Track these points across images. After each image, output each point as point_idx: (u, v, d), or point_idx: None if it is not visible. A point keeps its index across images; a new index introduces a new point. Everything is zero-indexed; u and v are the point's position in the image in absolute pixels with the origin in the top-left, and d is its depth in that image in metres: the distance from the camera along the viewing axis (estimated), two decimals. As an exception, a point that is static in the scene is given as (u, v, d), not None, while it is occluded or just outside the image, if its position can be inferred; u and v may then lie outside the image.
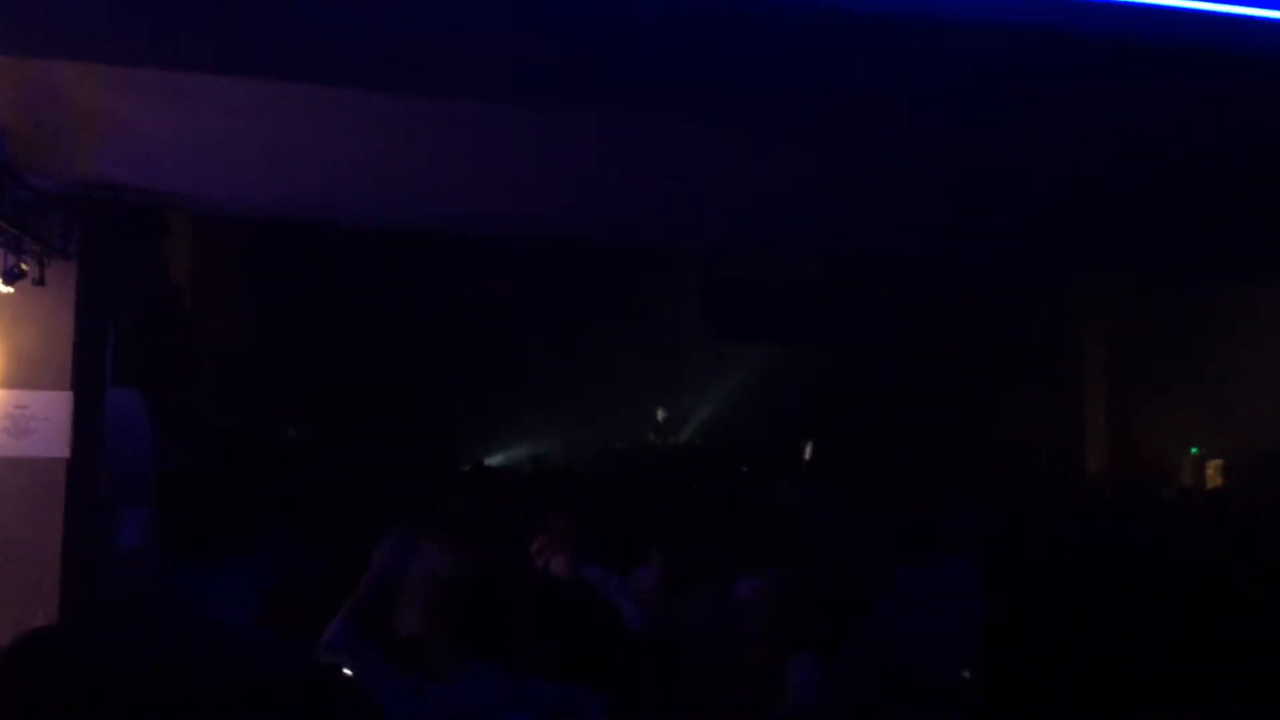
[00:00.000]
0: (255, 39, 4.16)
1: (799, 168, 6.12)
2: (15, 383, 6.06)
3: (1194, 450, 11.31)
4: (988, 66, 4.26)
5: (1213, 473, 11.03)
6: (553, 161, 6.03)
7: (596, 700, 2.13)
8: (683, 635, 2.85)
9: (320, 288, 11.07)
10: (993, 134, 5.31)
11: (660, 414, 12.91)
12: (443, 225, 8.51)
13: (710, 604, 2.96)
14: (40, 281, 5.93)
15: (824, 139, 5.58)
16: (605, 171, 6.23)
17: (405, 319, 11.53)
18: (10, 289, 5.88)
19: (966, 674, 2.30)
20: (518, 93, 4.75)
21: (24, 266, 5.84)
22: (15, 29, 4.03)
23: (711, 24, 3.89)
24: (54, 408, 6.06)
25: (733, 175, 6.25)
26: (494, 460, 11.82)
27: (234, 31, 4.07)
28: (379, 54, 4.28)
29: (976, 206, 6.95)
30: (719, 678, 2.71)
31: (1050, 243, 8.21)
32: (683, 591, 3.16)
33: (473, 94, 4.79)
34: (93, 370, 6.37)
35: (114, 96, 4.92)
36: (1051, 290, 12.14)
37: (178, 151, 5.76)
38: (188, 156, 5.87)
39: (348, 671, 1.87)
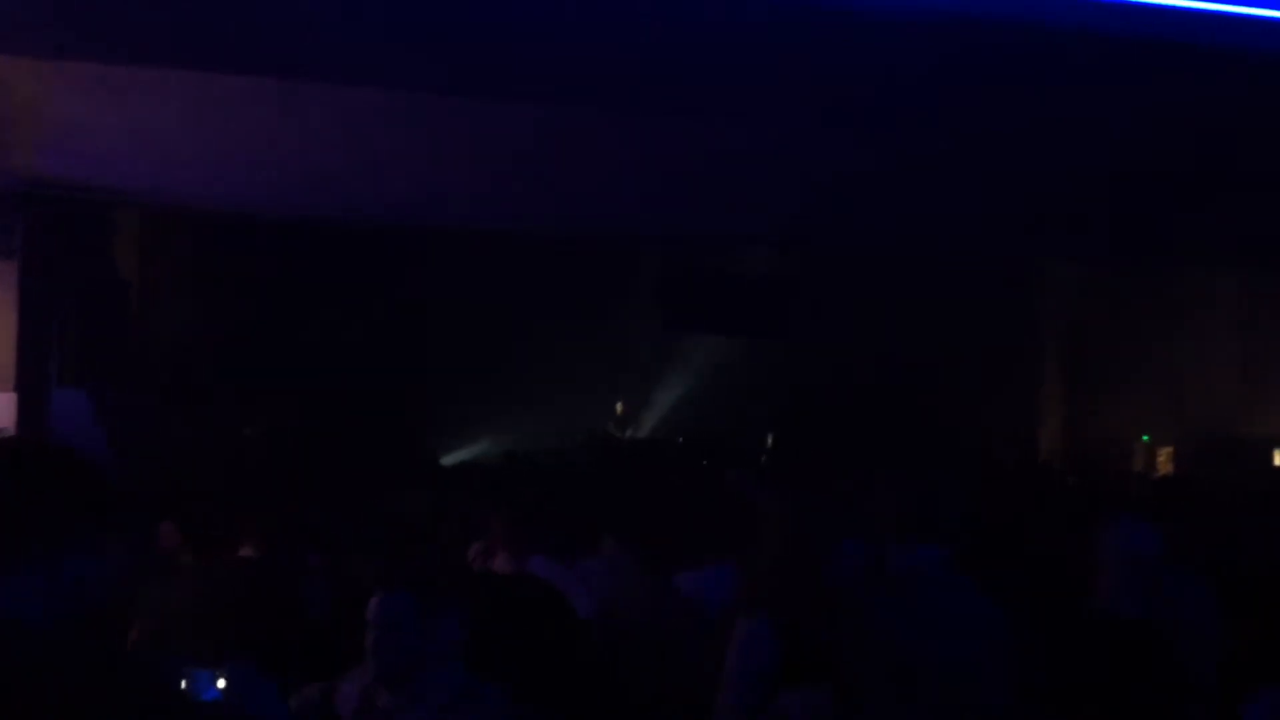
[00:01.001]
0: (199, 31, 4.08)
1: (758, 161, 6.14)
2: (-43, 384, 5.93)
3: (1145, 438, 11.52)
4: (947, 62, 4.29)
5: (1163, 459, 11.24)
6: (513, 155, 5.99)
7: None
8: (630, 625, 2.84)
9: (273, 283, 10.91)
10: (948, 128, 5.37)
11: (619, 407, 12.90)
12: (398, 219, 8.43)
13: (656, 594, 2.96)
14: (-20, 281, 5.80)
15: (783, 132, 5.61)
16: (567, 165, 6.21)
17: (360, 315, 11.40)
18: (-51, 288, 5.75)
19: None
20: (477, 86, 4.71)
21: (-37, 265, 5.71)
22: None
23: (677, 19, 3.89)
24: (-3, 409, 5.94)
25: (692, 168, 6.25)
26: (456, 456, 11.75)
27: (178, 23, 3.99)
28: (330, 46, 4.22)
29: (932, 198, 7.01)
30: (666, 668, 2.70)
31: (1006, 232, 8.31)
32: (632, 581, 3.15)
33: (429, 87, 4.74)
34: (36, 370, 6.26)
35: (52, 90, 4.81)
36: (1008, 280, 12.29)
37: (122, 146, 5.64)
38: (133, 151, 5.76)
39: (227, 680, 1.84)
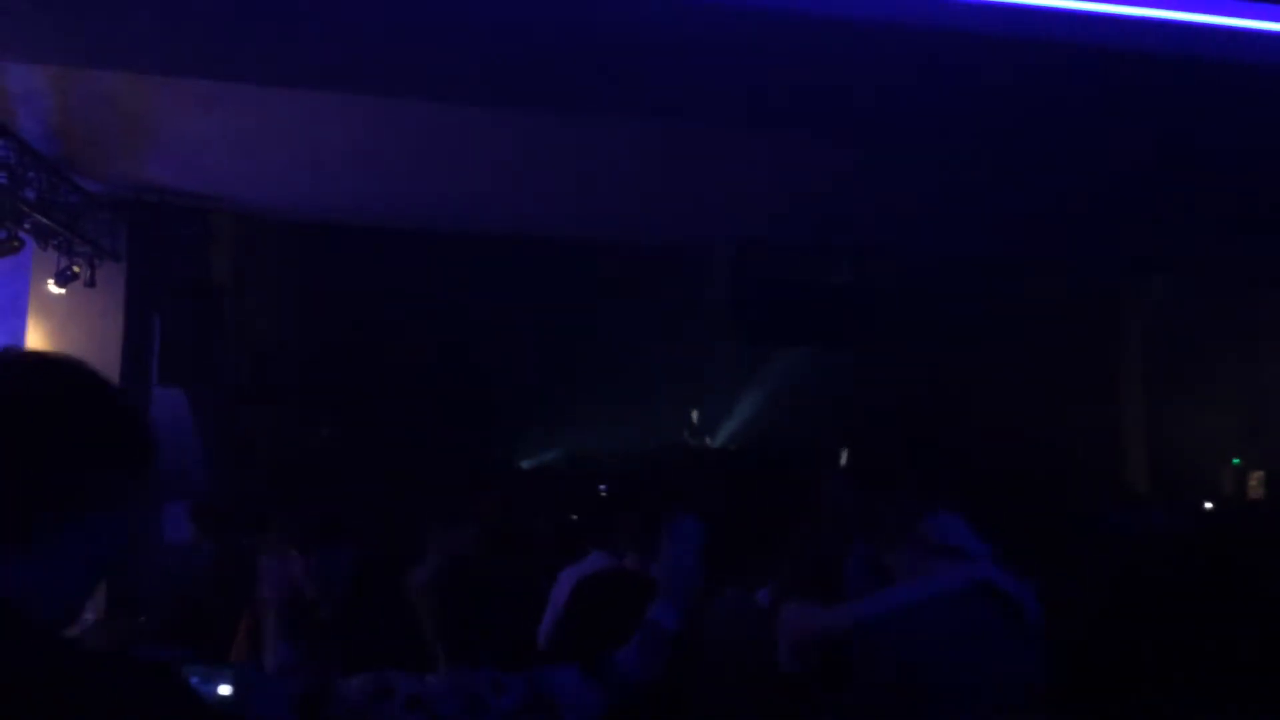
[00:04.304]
0: (292, 52, 4.27)
1: (832, 169, 6.16)
2: (65, 381, 6.21)
3: (1236, 461, 11.14)
4: (1024, 76, 4.28)
5: (1255, 484, 10.85)
6: (591, 165, 6.11)
7: (589, 683, 2.20)
8: (708, 636, 2.87)
9: (359, 289, 11.21)
10: (1028, 140, 5.32)
11: (695, 416, 12.95)
12: (482, 227, 8.63)
13: (735, 607, 2.97)
14: (91, 283, 6.08)
15: (858, 141, 5.62)
16: (641, 174, 6.31)
17: (443, 321, 11.65)
18: (62, 290, 6.04)
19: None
20: (557, 99, 4.83)
21: (75, 268, 5.99)
22: (68, 42, 4.18)
23: (746, 29, 3.95)
24: (102, 405, 6.21)
25: (765, 176, 6.30)
26: (529, 462, 11.93)
27: (272, 44, 4.19)
28: (418, 64, 4.37)
29: (1010, 209, 6.94)
30: (738, 681, 2.73)
31: (1088, 244, 8.16)
32: (712, 592, 3.18)
33: (512, 101, 4.88)
34: (139, 369, 6.53)
35: (160, 103, 5.07)
36: (1089, 295, 12.02)
37: (221, 156, 5.90)
38: (231, 161, 6.02)
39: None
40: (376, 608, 3.22)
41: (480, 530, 4.07)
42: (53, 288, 6.02)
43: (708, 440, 12.93)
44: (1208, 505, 9.13)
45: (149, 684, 1.13)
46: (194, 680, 1.81)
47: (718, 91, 4.65)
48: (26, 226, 5.42)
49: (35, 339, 6.23)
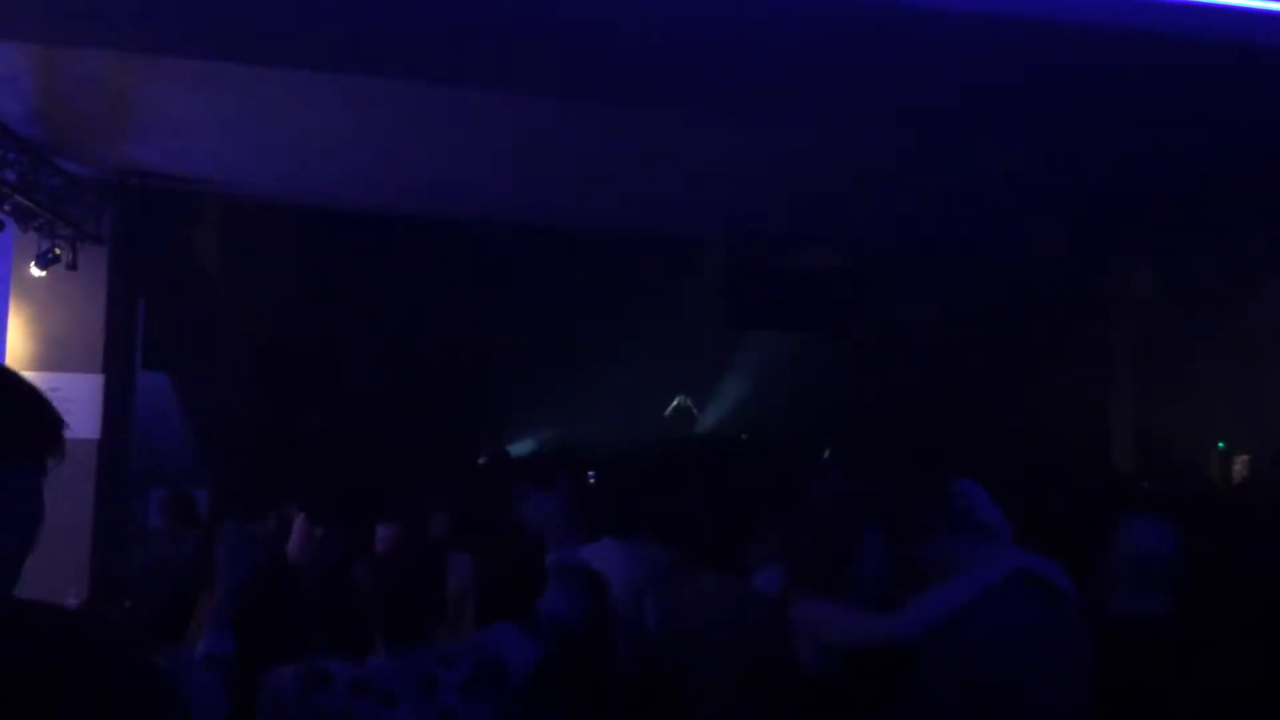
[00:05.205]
0: (282, 29, 4.21)
1: (825, 156, 6.13)
2: (47, 365, 6.16)
3: (1221, 445, 11.20)
4: (1013, 60, 4.25)
5: (1239, 468, 10.90)
6: (583, 150, 6.06)
7: (526, 637, 2.26)
8: (695, 622, 2.84)
9: (349, 274, 11.13)
10: (1018, 126, 5.31)
11: (683, 402, 12.95)
12: (475, 214, 8.57)
13: (725, 592, 2.94)
14: (73, 266, 6.01)
15: (850, 129, 5.59)
16: (632, 159, 6.26)
17: (434, 307, 11.59)
18: (43, 273, 5.97)
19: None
20: (550, 82, 4.78)
21: (57, 251, 5.92)
22: (49, 18, 4.10)
23: (744, 16, 3.92)
24: (85, 390, 6.16)
25: (758, 163, 6.26)
26: (519, 448, 11.90)
27: (261, 22, 4.12)
28: (410, 43, 4.31)
29: (1001, 197, 6.93)
30: (730, 667, 2.68)
31: (1077, 233, 8.17)
32: (698, 577, 3.16)
33: (503, 83, 4.82)
34: (123, 354, 6.46)
35: (145, 84, 4.99)
36: (1077, 281, 12.04)
37: (208, 138, 5.82)
38: (218, 143, 5.94)
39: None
40: (348, 597, 3.18)
41: (453, 518, 4.02)
42: (34, 270, 5.95)
43: (694, 427, 12.95)
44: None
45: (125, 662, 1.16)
46: None
47: (714, 79, 4.62)
48: (7, 209, 5.35)
49: (17, 322, 6.16)
